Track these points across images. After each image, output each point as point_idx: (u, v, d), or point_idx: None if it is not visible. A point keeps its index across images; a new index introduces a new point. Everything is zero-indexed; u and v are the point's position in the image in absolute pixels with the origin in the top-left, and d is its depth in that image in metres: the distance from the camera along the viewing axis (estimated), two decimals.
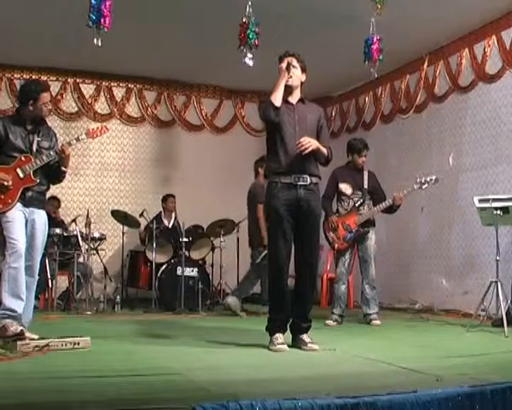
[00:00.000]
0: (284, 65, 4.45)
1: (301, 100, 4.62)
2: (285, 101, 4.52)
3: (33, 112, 4.59)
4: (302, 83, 4.62)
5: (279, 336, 4.39)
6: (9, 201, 4.46)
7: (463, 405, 2.77)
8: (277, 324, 4.47)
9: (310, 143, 4.37)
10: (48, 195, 8.40)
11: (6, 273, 4.36)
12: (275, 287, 4.51)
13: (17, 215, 4.46)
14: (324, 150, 4.51)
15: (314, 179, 4.51)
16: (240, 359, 4.04)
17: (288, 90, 4.52)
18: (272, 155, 4.55)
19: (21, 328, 4.30)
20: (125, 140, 9.47)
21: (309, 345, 4.39)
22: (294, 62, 4.50)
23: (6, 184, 4.42)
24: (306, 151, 4.36)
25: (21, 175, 4.50)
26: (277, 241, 4.43)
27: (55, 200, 8.27)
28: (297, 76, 4.53)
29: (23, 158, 4.52)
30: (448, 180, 7.51)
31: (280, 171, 4.45)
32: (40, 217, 4.62)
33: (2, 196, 4.44)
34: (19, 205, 4.48)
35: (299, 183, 4.42)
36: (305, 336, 4.47)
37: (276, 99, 4.41)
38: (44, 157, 4.57)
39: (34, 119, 4.63)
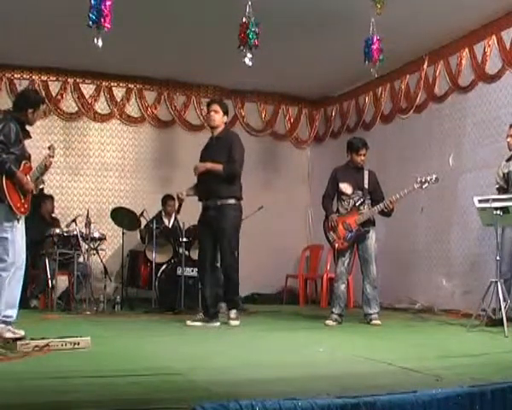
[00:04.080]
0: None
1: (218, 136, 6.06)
2: (210, 138, 6.16)
3: (28, 120, 4.56)
4: (225, 123, 6.15)
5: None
6: (26, 206, 4.47)
7: (463, 405, 2.77)
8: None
9: (198, 168, 6.00)
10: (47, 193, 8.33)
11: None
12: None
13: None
14: (217, 166, 5.85)
15: (224, 201, 5.87)
16: (240, 359, 4.04)
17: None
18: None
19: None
20: (124, 140, 9.46)
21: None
22: (215, 107, 5.99)
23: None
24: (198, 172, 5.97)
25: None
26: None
27: (52, 199, 8.28)
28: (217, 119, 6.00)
29: (28, 165, 4.51)
30: (448, 180, 7.49)
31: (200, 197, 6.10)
32: (22, 220, 4.58)
33: (23, 200, 4.44)
34: None
35: (209, 204, 6.00)
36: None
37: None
38: (38, 169, 4.55)
39: (25, 126, 4.59)
